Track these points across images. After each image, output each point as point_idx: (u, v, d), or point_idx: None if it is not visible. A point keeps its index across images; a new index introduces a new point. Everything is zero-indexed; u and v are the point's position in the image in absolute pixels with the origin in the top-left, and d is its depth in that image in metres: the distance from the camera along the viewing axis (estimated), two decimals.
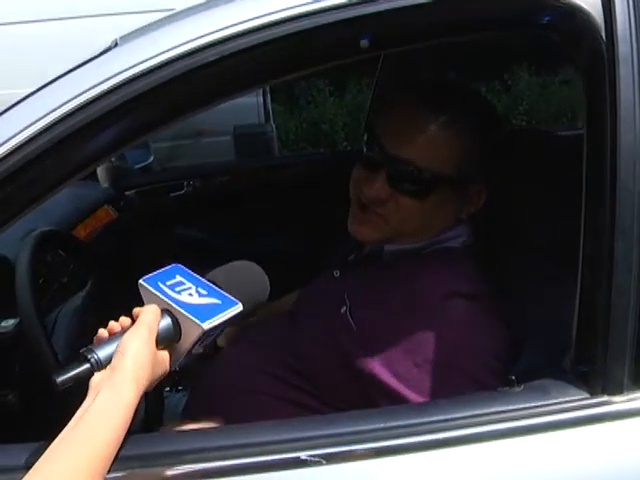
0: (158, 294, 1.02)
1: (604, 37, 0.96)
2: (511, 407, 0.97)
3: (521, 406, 0.97)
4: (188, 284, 1.04)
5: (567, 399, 0.98)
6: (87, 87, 0.92)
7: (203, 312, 0.99)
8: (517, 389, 1.00)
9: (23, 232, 1.56)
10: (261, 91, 7.95)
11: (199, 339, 1.00)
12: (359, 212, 1.32)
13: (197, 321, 0.98)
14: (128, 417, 0.90)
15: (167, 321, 1.00)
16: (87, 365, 0.94)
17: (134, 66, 0.92)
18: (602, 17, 0.96)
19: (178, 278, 1.05)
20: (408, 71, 2.44)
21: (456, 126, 1.27)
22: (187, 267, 1.11)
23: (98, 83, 0.92)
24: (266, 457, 0.93)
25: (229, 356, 1.49)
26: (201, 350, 1.05)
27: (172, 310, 1.00)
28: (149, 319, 0.98)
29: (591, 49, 0.98)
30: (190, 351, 1.02)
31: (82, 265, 1.70)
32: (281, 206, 2.80)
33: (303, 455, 0.91)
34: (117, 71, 0.92)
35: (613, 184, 0.96)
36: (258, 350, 1.42)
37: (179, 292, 1.02)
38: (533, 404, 0.98)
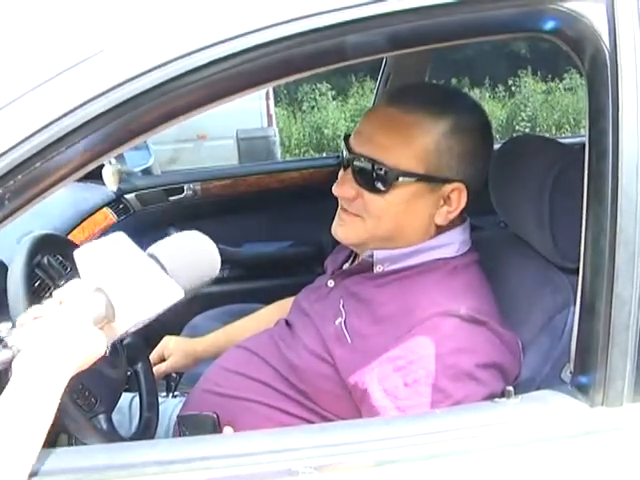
0: (94, 270, 0.93)
1: (607, 44, 0.96)
2: (509, 418, 0.96)
3: (518, 417, 0.96)
4: (128, 261, 0.94)
5: (565, 411, 0.96)
6: (77, 90, 0.90)
7: (138, 297, 0.93)
8: (514, 400, 0.98)
9: (20, 235, 1.54)
10: (264, 95, 8.02)
11: (135, 323, 0.94)
12: (340, 212, 1.34)
13: (130, 307, 0.92)
14: (46, 404, 0.84)
15: (101, 300, 0.92)
16: (7, 351, 0.87)
17: (126, 69, 0.91)
18: (606, 24, 0.96)
19: (118, 252, 0.95)
20: (409, 76, 2.43)
21: (420, 123, 1.26)
22: None
23: (89, 86, 0.91)
24: (256, 468, 0.92)
25: (223, 363, 1.48)
26: (140, 326, 0.96)
27: (106, 291, 0.92)
28: (72, 296, 0.92)
29: (594, 56, 0.97)
30: (126, 332, 0.96)
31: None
32: (281, 211, 2.79)
33: (295, 466, 0.90)
34: (109, 74, 0.91)
35: (615, 192, 0.95)
36: (253, 359, 1.41)
37: (116, 270, 0.93)
38: (531, 415, 0.96)
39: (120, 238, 0.97)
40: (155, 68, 0.91)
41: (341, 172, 1.34)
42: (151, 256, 0.97)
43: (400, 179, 1.25)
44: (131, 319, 0.93)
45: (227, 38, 0.91)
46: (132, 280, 0.93)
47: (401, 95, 1.34)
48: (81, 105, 0.90)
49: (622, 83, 0.95)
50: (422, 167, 1.26)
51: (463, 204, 1.30)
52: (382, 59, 2.50)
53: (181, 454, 0.94)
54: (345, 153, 1.33)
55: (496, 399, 1.00)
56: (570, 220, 1.06)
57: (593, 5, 0.96)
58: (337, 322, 1.29)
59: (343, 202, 1.32)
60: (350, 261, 1.48)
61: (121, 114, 0.92)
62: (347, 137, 1.34)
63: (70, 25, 0.97)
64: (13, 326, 0.92)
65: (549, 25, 0.98)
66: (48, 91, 0.90)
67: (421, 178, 1.26)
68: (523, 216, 1.35)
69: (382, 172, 1.25)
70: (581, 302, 0.99)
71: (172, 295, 0.95)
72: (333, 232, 1.35)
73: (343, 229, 1.34)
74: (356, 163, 1.28)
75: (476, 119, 1.35)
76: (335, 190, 1.32)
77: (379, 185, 1.26)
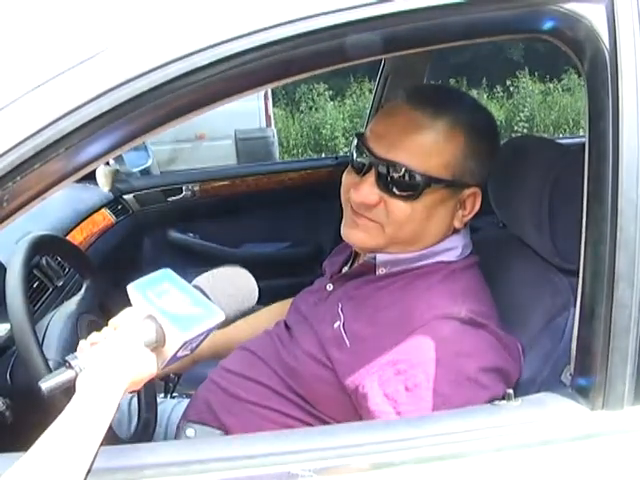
0: (144, 301, 1.05)
1: (607, 45, 0.95)
2: (508, 421, 0.95)
3: (518, 420, 0.95)
4: (174, 291, 1.07)
5: (566, 414, 0.96)
6: (77, 91, 0.90)
7: (184, 321, 1.03)
8: (514, 403, 0.98)
9: (18, 236, 1.54)
10: (263, 95, 8.02)
11: (182, 345, 1.03)
12: (353, 216, 1.29)
13: (177, 330, 1.02)
14: (105, 414, 0.93)
15: (151, 326, 1.03)
16: (71, 371, 0.97)
17: (125, 70, 0.90)
18: (606, 25, 0.95)
19: (165, 284, 1.08)
20: (408, 77, 2.43)
21: (449, 128, 1.24)
22: (180, 272, 1.12)
23: (89, 87, 0.90)
24: (255, 470, 0.91)
25: (226, 364, 1.48)
26: (188, 353, 1.08)
27: (156, 317, 1.04)
28: (126, 323, 1.04)
29: (594, 57, 0.96)
30: (175, 355, 1.05)
31: (77, 269, 1.69)
32: (280, 212, 2.79)
33: (294, 469, 0.89)
34: (108, 75, 0.90)
35: (615, 194, 0.94)
36: (254, 360, 1.41)
37: (164, 299, 1.05)
38: (531, 418, 0.96)
39: (167, 272, 1.10)
40: (155, 69, 0.90)
41: (353, 176, 1.30)
42: (195, 286, 1.10)
43: (432, 186, 1.23)
44: (178, 341, 1.03)
45: (227, 39, 0.91)
46: (178, 305, 1.04)
47: (422, 97, 1.30)
48: (80, 106, 0.90)
49: (622, 84, 0.94)
50: (450, 173, 1.24)
51: (477, 207, 1.30)
52: (380, 60, 2.49)
53: (180, 457, 0.93)
54: (356, 155, 1.29)
55: (496, 402, 0.99)
56: (569, 221, 1.05)
57: (593, 6, 0.95)
58: (336, 325, 1.28)
59: (359, 207, 1.27)
60: (350, 264, 1.46)
61: (121, 115, 0.92)
62: (360, 137, 1.30)
63: (70, 26, 0.97)
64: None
65: (549, 26, 0.97)
66: (48, 92, 0.90)
67: (449, 184, 1.25)
68: (522, 217, 1.35)
69: (413, 179, 1.22)
70: (581, 305, 0.99)
71: (215, 318, 1.05)
72: (345, 237, 1.32)
73: (360, 235, 1.29)
74: (381, 168, 1.24)
75: (489, 120, 1.36)
76: (353, 196, 1.27)
77: (408, 192, 1.23)
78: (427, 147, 1.23)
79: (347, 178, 1.33)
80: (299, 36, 0.91)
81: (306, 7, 0.92)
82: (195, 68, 0.90)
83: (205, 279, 1.13)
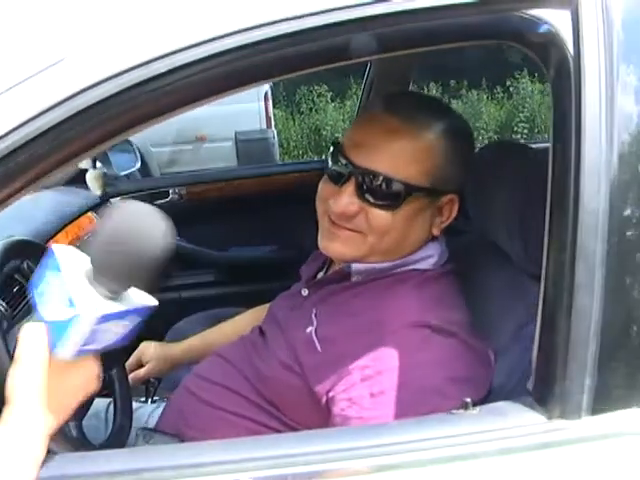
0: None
1: (572, 52, 0.94)
2: (465, 430, 0.94)
3: (476, 429, 0.95)
4: (53, 285, 0.86)
5: (523, 423, 0.95)
6: (37, 98, 0.90)
7: (57, 333, 0.85)
8: (473, 412, 0.97)
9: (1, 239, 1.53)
10: (263, 97, 8.01)
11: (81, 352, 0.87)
12: (332, 227, 1.28)
13: (55, 346, 0.86)
14: (23, 449, 0.84)
15: None
16: None
17: (85, 77, 0.90)
18: (571, 31, 0.94)
19: (48, 276, 0.87)
20: (392, 81, 2.42)
21: (428, 136, 1.24)
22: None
23: (49, 94, 0.90)
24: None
25: (200, 371, 1.48)
26: (121, 332, 0.90)
27: None
28: (23, 340, 0.87)
29: (559, 63, 0.96)
30: (94, 349, 0.89)
31: None
32: (268, 215, 2.78)
33: (242, 477, 0.88)
34: (67, 83, 0.90)
35: (576, 203, 0.93)
36: (226, 367, 1.41)
37: (45, 300, 0.87)
38: (488, 427, 0.95)
39: (51, 256, 0.88)
40: (118, 74, 0.90)
41: (331, 185, 1.28)
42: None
43: (412, 194, 1.23)
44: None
45: (191, 44, 0.90)
46: (53, 309, 0.86)
47: (400, 105, 1.30)
48: (39, 114, 0.90)
49: (585, 92, 0.93)
50: (429, 181, 1.24)
51: (454, 214, 1.31)
52: (366, 65, 2.48)
53: (133, 465, 0.92)
54: (333, 164, 1.28)
55: (454, 410, 0.98)
56: (541, 228, 1.04)
57: (558, 12, 0.95)
58: (308, 330, 1.28)
59: (339, 218, 1.26)
60: (325, 270, 1.46)
61: (82, 121, 0.91)
62: (337, 145, 1.29)
63: (30, 34, 0.97)
64: None
65: (514, 32, 0.97)
66: (7, 100, 0.90)
67: (429, 192, 1.25)
68: (496, 224, 1.34)
69: (393, 188, 1.22)
70: (542, 313, 0.98)
71: (86, 322, 0.84)
72: (324, 249, 1.31)
73: (340, 247, 1.28)
74: (360, 178, 1.23)
75: (466, 128, 1.37)
76: (332, 206, 1.25)
77: (389, 201, 1.23)
78: (407, 155, 1.23)
79: (324, 188, 1.31)
80: (283, 36, 0.91)
81: (290, 8, 0.91)
82: (174, 67, 0.90)
83: (90, 244, 0.88)
